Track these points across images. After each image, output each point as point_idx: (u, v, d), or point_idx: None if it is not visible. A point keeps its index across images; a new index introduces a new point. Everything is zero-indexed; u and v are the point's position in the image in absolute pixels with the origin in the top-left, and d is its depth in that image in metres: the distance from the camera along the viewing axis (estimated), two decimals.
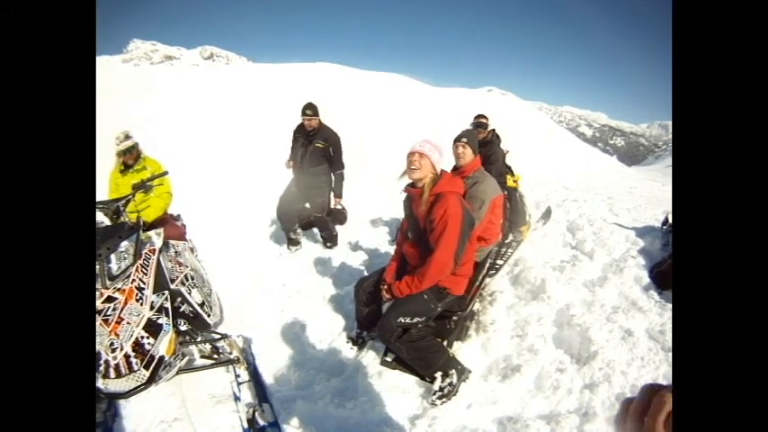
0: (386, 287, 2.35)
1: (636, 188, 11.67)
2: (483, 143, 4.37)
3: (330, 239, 4.67)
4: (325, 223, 4.52)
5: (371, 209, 6.11)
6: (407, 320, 2.17)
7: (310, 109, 4.08)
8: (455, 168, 3.01)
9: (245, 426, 2.02)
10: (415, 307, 2.19)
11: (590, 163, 16.56)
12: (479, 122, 4.49)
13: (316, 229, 4.78)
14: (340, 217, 5.46)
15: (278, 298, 3.50)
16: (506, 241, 3.99)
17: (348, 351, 2.68)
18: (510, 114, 25.87)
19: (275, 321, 3.08)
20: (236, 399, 2.18)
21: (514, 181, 4.57)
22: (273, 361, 2.63)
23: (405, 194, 2.40)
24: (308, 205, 4.38)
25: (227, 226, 5.21)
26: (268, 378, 2.45)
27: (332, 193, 4.42)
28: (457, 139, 2.96)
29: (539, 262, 3.41)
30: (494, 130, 4.57)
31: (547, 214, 4.75)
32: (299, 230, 4.57)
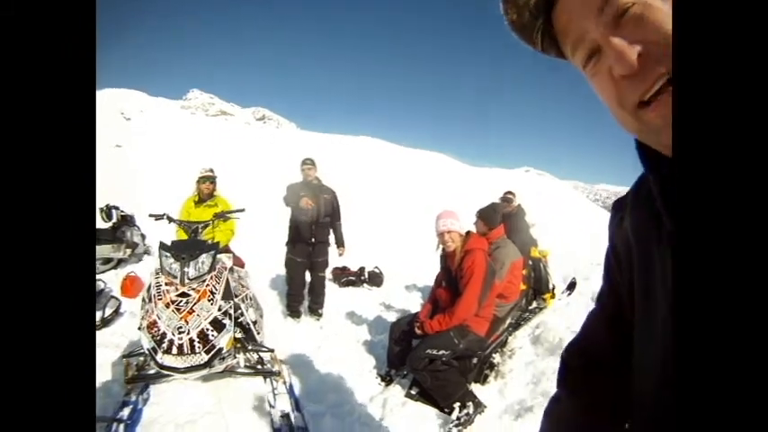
0: (419, 324, 2.76)
1: None
2: (509, 215, 4.89)
3: (321, 305, 4.47)
4: (324, 285, 4.49)
5: (407, 275, 6.57)
6: (434, 352, 2.55)
7: (310, 160, 4.29)
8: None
9: (277, 426, 2.29)
10: (441, 341, 2.58)
11: None
12: (506, 197, 5.15)
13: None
14: (376, 280, 5.95)
15: (315, 336, 3.89)
16: (530, 307, 4.28)
17: (377, 385, 2.97)
18: (547, 194, 26.29)
19: (311, 354, 3.41)
20: (271, 406, 2.50)
21: (540, 252, 4.94)
22: (307, 383, 2.92)
23: (441, 252, 2.94)
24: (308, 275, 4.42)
25: (268, 270, 5.74)
26: (300, 395, 2.75)
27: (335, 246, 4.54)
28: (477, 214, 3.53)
29: (559, 325, 3.64)
30: (519, 204, 5.13)
31: (572, 286, 4.98)
32: (303, 300, 4.49)
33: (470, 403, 2.47)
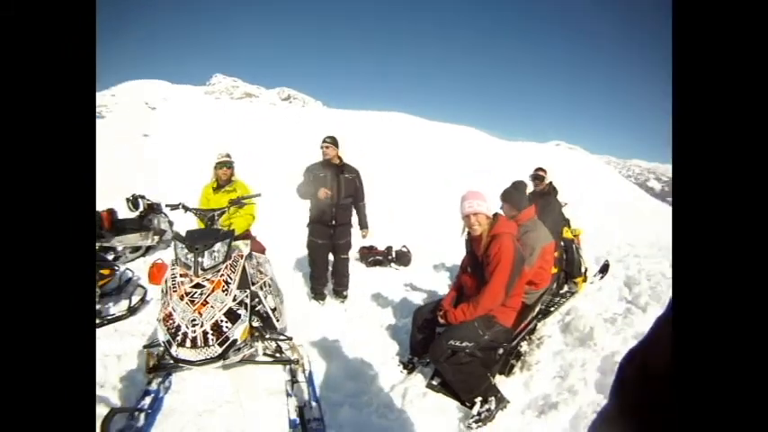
0: (442, 313, 2.62)
1: None
2: (540, 194, 4.60)
3: (345, 287, 4.41)
4: (347, 267, 4.37)
5: (436, 255, 6.41)
6: (457, 344, 2.42)
7: (330, 139, 4.08)
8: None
9: (292, 416, 2.27)
10: (465, 332, 2.44)
11: (657, 218, 15.56)
12: (537, 175, 4.79)
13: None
14: (404, 259, 5.82)
15: (339, 320, 3.85)
16: (561, 291, 4.06)
17: (398, 373, 2.90)
18: (577, 168, 25.20)
19: (334, 339, 3.39)
20: (288, 395, 2.47)
21: (572, 233, 4.66)
22: (327, 371, 2.91)
23: (466, 236, 2.76)
24: (331, 256, 4.32)
25: (295, 252, 5.70)
26: (320, 383, 2.74)
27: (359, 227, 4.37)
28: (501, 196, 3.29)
29: (591, 312, 3.43)
30: (551, 182, 4.79)
31: (604, 269, 4.71)
32: (327, 283, 4.43)
33: (492, 398, 2.35)
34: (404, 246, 6.04)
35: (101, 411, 2.17)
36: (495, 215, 2.64)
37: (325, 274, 4.33)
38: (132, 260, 5.38)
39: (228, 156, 4.06)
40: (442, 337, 2.50)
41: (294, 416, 2.28)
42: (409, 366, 2.94)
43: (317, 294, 4.30)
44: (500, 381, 2.67)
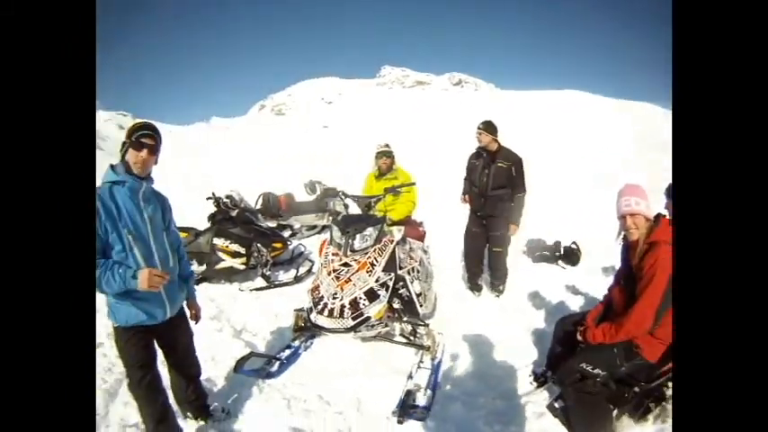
0: (582, 329, 2.31)
1: None
2: None
3: (502, 282, 4.21)
4: (503, 260, 4.11)
5: (609, 255, 5.43)
6: (589, 369, 2.09)
7: (484, 124, 3.84)
8: None
9: (403, 396, 2.39)
10: (601, 357, 2.09)
11: None
12: None
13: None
14: (572, 257, 5.13)
15: (489, 314, 3.74)
16: None
17: (527, 384, 2.70)
18: None
19: (475, 333, 3.32)
20: (410, 377, 2.61)
21: None
22: (457, 363, 2.92)
23: (622, 241, 2.34)
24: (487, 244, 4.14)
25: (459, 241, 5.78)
26: (444, 374, 2.77)
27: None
28: None
29: None
30: None
31: None
32: (482, 274, 4.32)
33: None
34: (573, 242, 5.29)
35: (245, 352, 2.79)
36: (657, 217, 2.09)
37: (477, 264, 4.23)
38: (308, 237, 6.52)
39: (388, 146, 4.26)
40: (576, 357, 2.19)
41: (404, 397, 2.40)
42: (540, 379, 2.68)
43: (472, 285, 4.27)
44: (626, 425, 2.19)
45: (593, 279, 4.60)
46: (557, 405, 2.33)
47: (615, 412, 2.17)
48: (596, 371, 2.05)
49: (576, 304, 3.92)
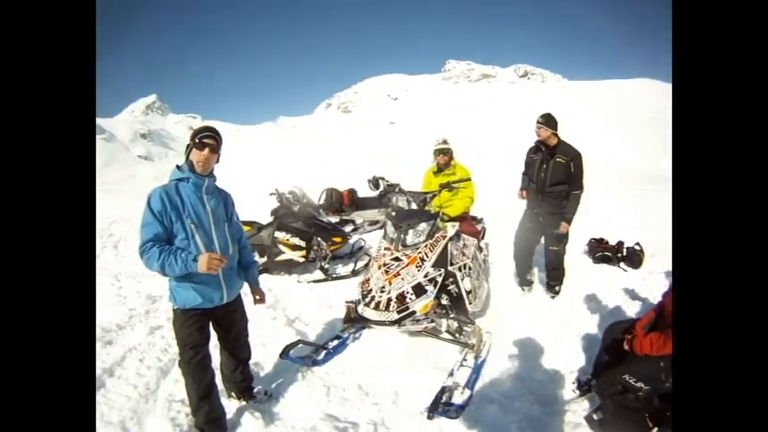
0: (630, 337, 2.12)
1: None
2: None
3: (558, 282, 3.98)
4: (560, 260, 3.90)
5: (670, 259, 4.69)
6: (632, 381, 1.96)
7: (543, 118, 3.64)
8: None
9: (438, 392, 2.32)
10: (645, 370, 1.94)
11: None
12: None
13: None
14: (634, 259, 4.58)
15: (540, 314, 3.57)
16: None
17: (569, 391, 2.52)
18: None
19: (526, 334, 3.17)
20: (450, 375, 2.54)
21: None
22: (499, 364, 2.78)
23: None
24: (542, 240, 3.96)
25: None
26: (485, 374, 2.66)
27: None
28: None
29: None
30: None
31: None
32: (534, 271, 4.17)
33: None
34: (637, 243, 4.71)
35: (292, 339, 2.85)
36: None
37: (526, 260, 4.10)
38: (370, 231, 6.59)
39: (446, 142, 4.26)
40: (620, 367, 2.06)
41: (440, 395, 2.33)
42: (584, 388, 2.49)
43: (523, 282, 4.14)
44: None
45: (657, 284, 4.02)
46: (595, 417, 2.18)
47: (654, 430, 1.95)
48: (639, 384, 1.95)
49: (632, 310, 3.54)
